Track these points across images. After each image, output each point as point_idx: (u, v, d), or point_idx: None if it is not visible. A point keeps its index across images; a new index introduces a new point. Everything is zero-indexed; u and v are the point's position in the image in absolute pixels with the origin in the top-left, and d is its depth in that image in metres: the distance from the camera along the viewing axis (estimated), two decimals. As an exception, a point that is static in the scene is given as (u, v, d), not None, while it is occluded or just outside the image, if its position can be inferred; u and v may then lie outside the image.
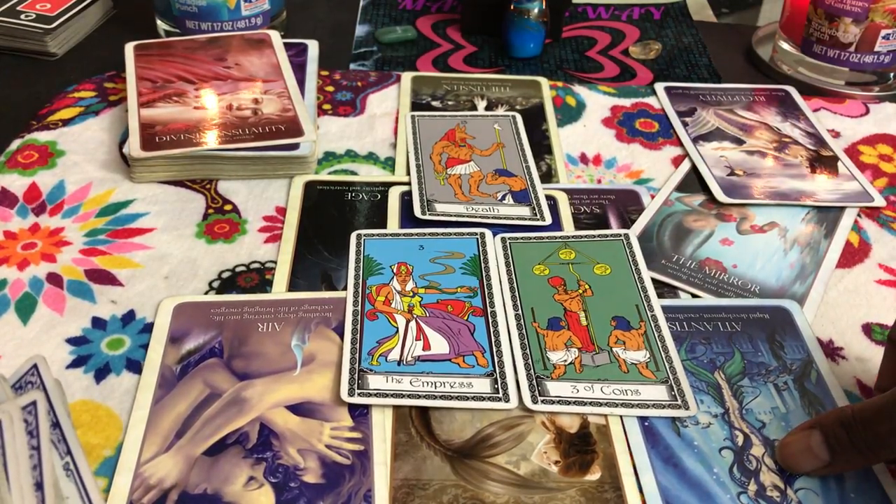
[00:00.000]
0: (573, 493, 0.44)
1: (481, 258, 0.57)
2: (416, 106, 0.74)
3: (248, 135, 0.64)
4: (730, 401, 0.49)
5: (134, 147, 0.62)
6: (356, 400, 0.47)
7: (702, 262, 0.58)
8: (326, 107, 0.73)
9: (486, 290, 0.55)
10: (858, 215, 0.63)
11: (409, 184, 0.64)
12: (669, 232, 0.61)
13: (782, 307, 0.55)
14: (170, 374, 0.49)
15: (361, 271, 0.56)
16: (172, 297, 0.54)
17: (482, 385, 0.48)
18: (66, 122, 0.69)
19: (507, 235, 0.59)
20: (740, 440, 0.47)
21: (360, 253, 0.57)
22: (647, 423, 0.47)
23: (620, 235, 0.59)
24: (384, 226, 0.60)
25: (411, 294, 0.54)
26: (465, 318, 0.53)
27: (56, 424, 0.43)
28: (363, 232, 0.59)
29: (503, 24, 0.82)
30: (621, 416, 0.47)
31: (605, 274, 0.56)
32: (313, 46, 0.79)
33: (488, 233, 0.59)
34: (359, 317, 0.52)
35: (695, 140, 0.71)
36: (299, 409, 0.47)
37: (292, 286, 0.55)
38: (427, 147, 0.68)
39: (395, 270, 0.56)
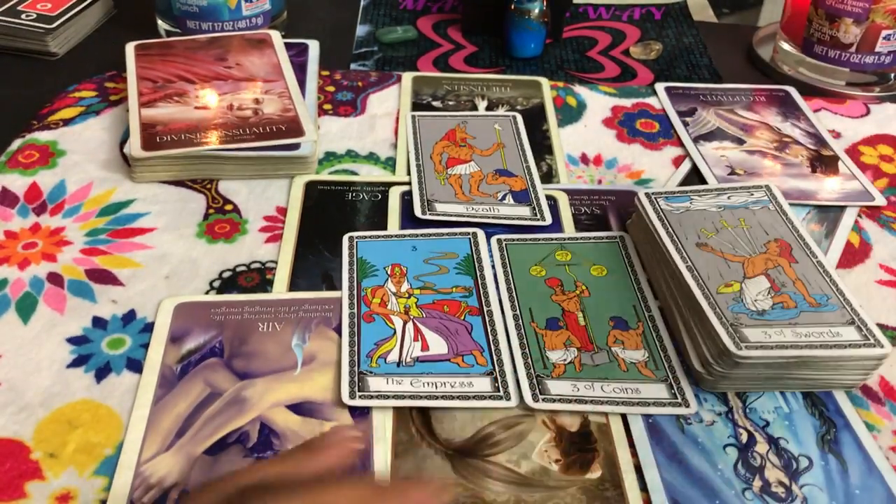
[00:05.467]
0: (574, 492, 0.44)
1: (475, 258, 0.57)
2: (416, 106, 0.74)
3: (248, 135, 0.64)
4: (733, 400, 0.49)
5: (135, 147, 0.62)
6: (357, 403, 0.47)
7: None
8: (327, 107, 0.73)
9: (481, 289, 0.55)
10: (859, 215, 0.63)
11: (409, 184, 0.64)
12: (670, 232, 0.62)
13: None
14: (170, 374, 0.49)
15: (355, 273, 0.56)
16: (173, 297, 0.54)
17: (482, 384, 0.48)
18: (66, 122, 0.69)
19: (503, 237, 0.59)
20: (744, 437, 0.47)
21: (353, 255, 0.57)
22: (651, 421, 0.47)
23: (616, 237, 0.59)
24: (385, 226, 0.60)
25: (407, 295, 0.54)
26: (462, 317, 0.53)
27: None
28: (355, 234, 0.59)
29: (504, 24, 0.82)
30: (623, 415, 0.47)
31: (602, 275, 0.56)
32: (314, 46, 0.79)
33: (480, 232, 0.59)
34: (355, 319, 0.52)
35: (695, 140, 0.71)
36: (300, 408, 0.47)
37: (293, 286, 0.55)
38: (427, 147, 0.68)
39: (389, 272, 0.56)
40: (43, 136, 0.67)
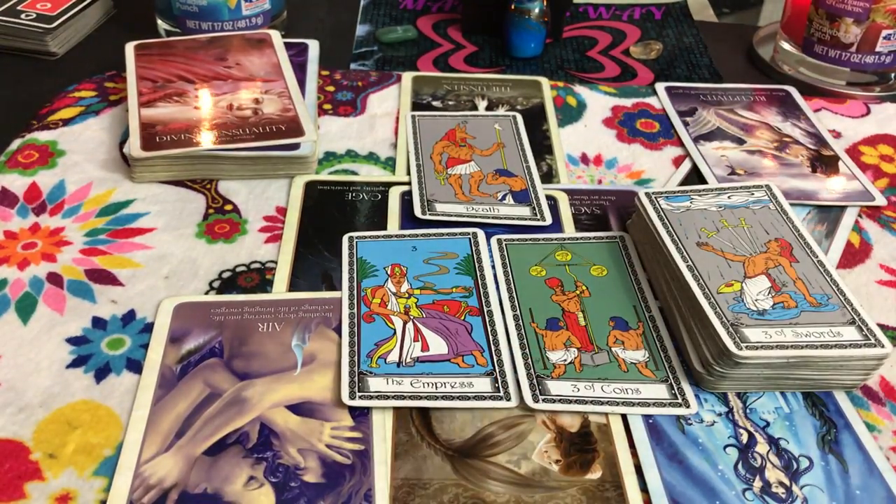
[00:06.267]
0: (574, 492, 0.43)
1: (475, 258, 0.57)
2: (416, 106, 0.74)
3: (248, 135, 0.64)
4: (734, 400, 0.49)
5: (134, 147, 0.62)
6: (357, 403, 0.47)
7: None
8: (327, 107, 0.73)
9: (481, 289, 0.55)
10: (859, 215, 0.63)
11: (409, 184, 0.64)
12: (670, 232, 0.62)
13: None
14: (170, 374, 0.49)
15: (355, 273, 0.56)
16: (172, 297, 0.54)
17: (483, 384, 0.48)
18: (66, 122, 0.69)
19: (503, 237, 0.59)
20: (745, 438, 0.47)
21: (352, 255, 0.57)
22: (651, 421, 0.47)
23: (616, 237, 0.59)
24: (385, 226, 0.60)
25: (407, 295, 0.54)
26: (462, 317, 0.53)
27: None
28: (355, 234, 0.59)
29: (504, 23, 0.82)
30: (623, 415, 0.47)
31: (602, 275, 0.56)
32: (314, 46, 0.79)
33: (480, 232, 0.59)
34: (355, 319, 0.52)
35: (696, 140, 0.71)
36: (299, 408, 0.47)
37: (293, 286, 0.55)
38: (427, 147, 0.68)
39: (389, 272, 0.56)
40: (42, 136, 0.67)
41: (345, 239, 0.58)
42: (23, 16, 0.81)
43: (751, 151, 0.69)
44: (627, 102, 0.76)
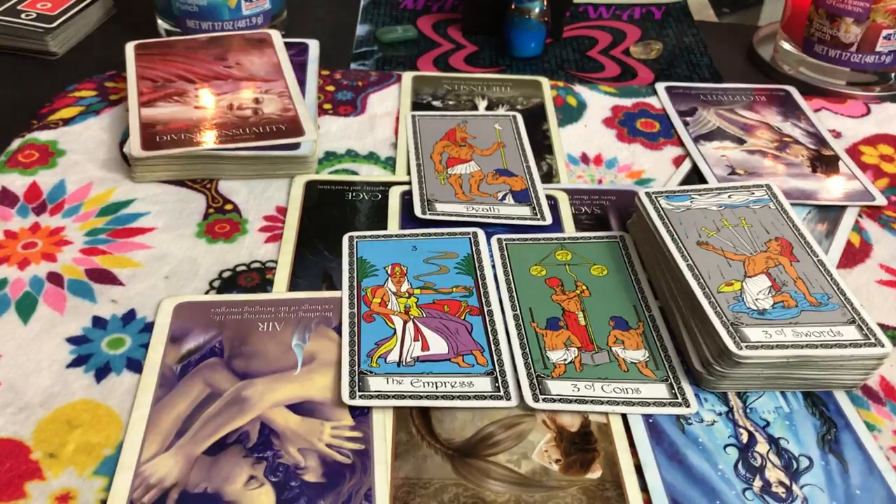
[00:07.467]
0: (574, 492, 0.43)
1: (475, 257, 0.57)
2: (416, 105, 0.74)
3: (248, 134, 0.64)
4: (734, 399, 0.49)
5: (134, 146, 0.62)
6: (358, 402, 0.47)
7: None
8: (327, 106, 0.73)
9: (481, 289, 0.55)
10: (859, 215, 0.63)
11: (409, 183, 0.64)
12: (670, 231, 0.62)
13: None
14: (170, 374, 0.49)
15: (355, 273, 0.56)
16: (173, 297, 0.54)
17: (483, 384, 0.48)
18: (66, 122, 0.69)
19: (503, 237, 0.59)
20: (745, 437, 0.47)
21: (353, 255, 0.57)
22: (651, 421, 0.47)
23: (616, 237, 0.59)
24: (385, 226, 0.60)
25: (407, 295, 0.54)
26: (462, 317, 0.53)
27: None
28: (355, 234, 0.59)
29: (504, 23, 0.82)
30: (623, 415, 0.47)
31: (602, 275, 0.56)
32: (314, 46, 0.79)
33: (480, 232, 0.59)
34: (356, 319, 0.52)
35: (696, 140, 0.71)
36: (300, 408, 0.47)
37: (293, 286, 0.55)
38: (428, 147, 0.68)
39: (389, 272, 0.56)
40: (43, 135, 0.67)
41: (345, 239, 0.58)
42: (23, 15, 0.81)
43: (751, 151, 0.69)
44: (627, 102, 0.76)
